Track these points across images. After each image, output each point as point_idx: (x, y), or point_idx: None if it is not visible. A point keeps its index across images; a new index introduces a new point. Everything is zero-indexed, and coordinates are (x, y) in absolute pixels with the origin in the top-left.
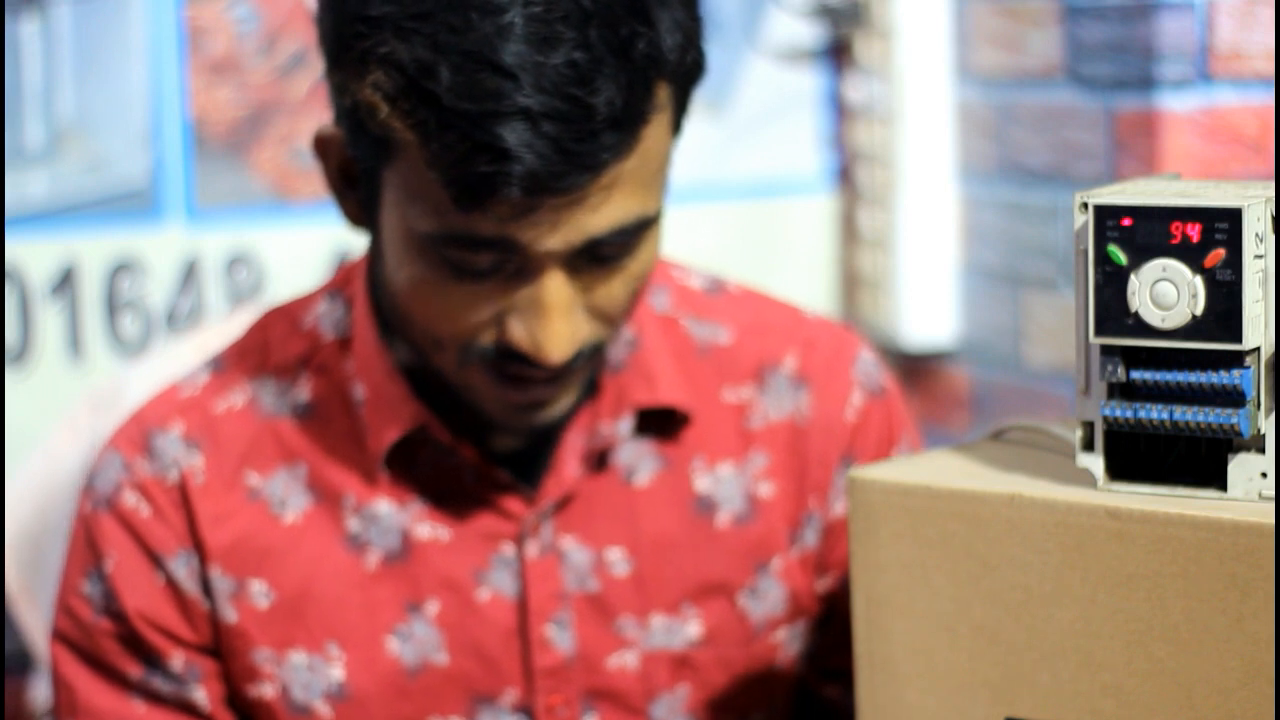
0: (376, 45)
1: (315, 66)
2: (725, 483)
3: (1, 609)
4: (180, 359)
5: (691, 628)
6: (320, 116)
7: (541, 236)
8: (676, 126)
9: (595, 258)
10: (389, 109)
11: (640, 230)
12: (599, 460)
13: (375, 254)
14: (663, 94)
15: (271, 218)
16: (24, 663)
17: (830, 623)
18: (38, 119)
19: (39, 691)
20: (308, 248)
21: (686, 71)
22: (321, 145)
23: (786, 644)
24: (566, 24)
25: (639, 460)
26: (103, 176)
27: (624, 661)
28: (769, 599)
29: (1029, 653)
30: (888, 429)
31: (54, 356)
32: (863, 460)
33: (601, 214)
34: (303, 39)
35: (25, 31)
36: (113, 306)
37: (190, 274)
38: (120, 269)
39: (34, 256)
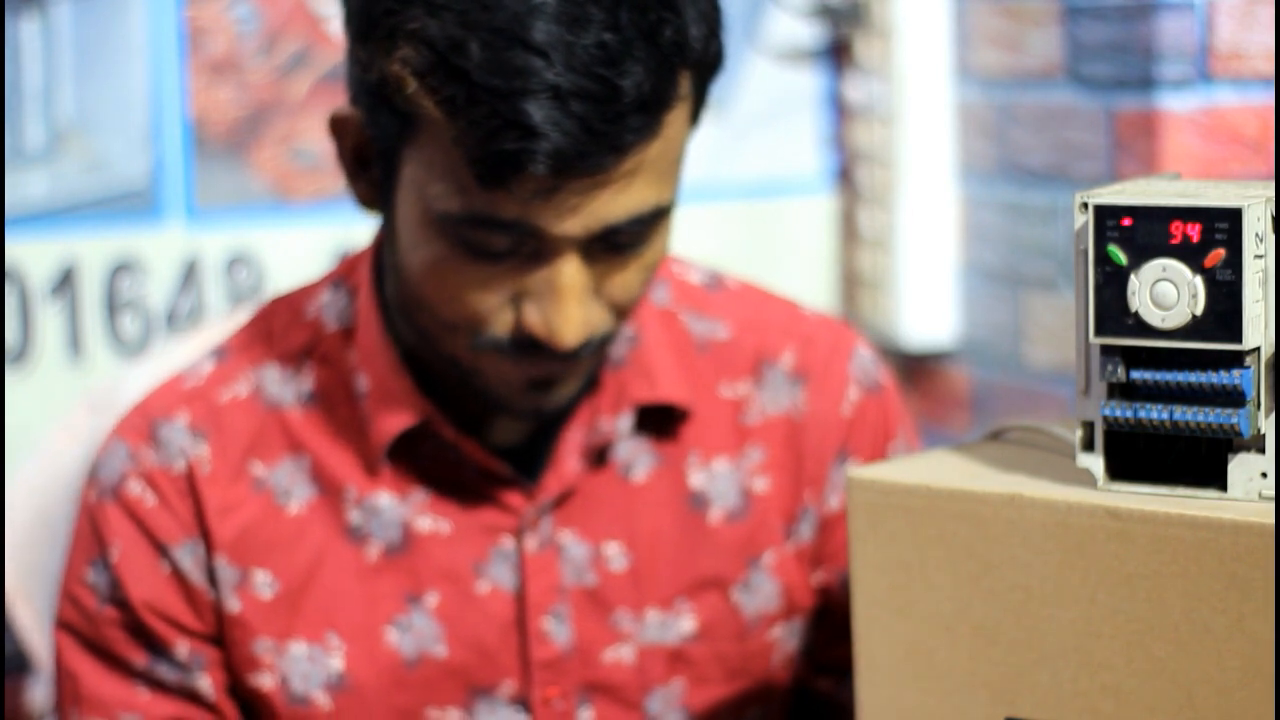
0: (406, 21)
1: (315, 66)
2: (720, 478)
3: (1, 610)
4: (180, 359)
5: (685, 622)
6: (320, 116)
7: (562, 219)
8: (695, 118)
9: (611, 245)
10: (417, 84)
11: (656, 219)
12: (598, 456)
13: (385, 238)
14: (685, 83)
15: (271, 218)
16: (23, 663)
17: (825, 617)
18: (38, 119)
19: (37, 692)
20: (308, 248)
21: (709, 62)
22: (338, 125)
23: (782, 640)
24: (597, 5)
25: (636, 456)
26: (103, 176)
27: (620, 655)
28: (762, 594)
29: (1029, 653)
30: (884, 424)
31: (54, 356)
32: (859, 455)
33: (622, 200)
34: (303, 39)
35: (25, 31)
36: (113, 306)
37: (190, 274)
38: (120, 269)
39: (34, 256)
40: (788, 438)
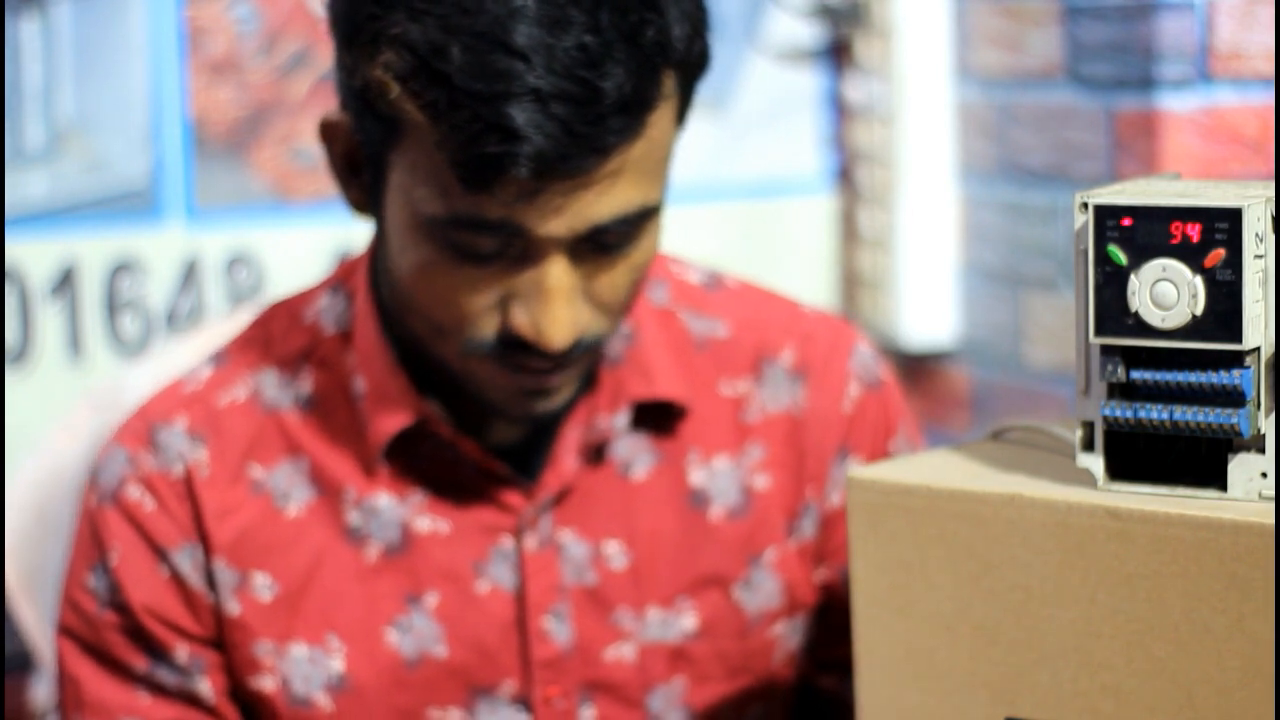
0: (388, 26)
1: (315, 66)
2: (720, 476)
3: (2, 609)
4: (180, 359)
5: (687, 620)
6: (320, 116)
7: (546, 220)
8: (681, 117)
9: (598, 245)
10: (399, 89)
11: (643, 219)
12: (596, 453)
13: (378, 242)
14: (669, 83)
15: (271, 218)
16: (24, 662)
17: (827, 614)
18: (38, 119)
19: (39, 691)
20: (308, 248)
21: (693, 62)
22: (328, 131)
23: (784, 638)
24: (577, 8)
25: (636, 454)
26: (103, 176)
27: (621, 653)
28: (763, 591)
29: (1029, 653)
30: (884, 420)
31: (54, 356)
32: (860, 451)
33: (606, 200)
34: (303, 39)
35: (25, 31)
36: (113, 306)
37: (190, 274)
38: (120, 269)
39: (34, 256)
40: (788, 435)
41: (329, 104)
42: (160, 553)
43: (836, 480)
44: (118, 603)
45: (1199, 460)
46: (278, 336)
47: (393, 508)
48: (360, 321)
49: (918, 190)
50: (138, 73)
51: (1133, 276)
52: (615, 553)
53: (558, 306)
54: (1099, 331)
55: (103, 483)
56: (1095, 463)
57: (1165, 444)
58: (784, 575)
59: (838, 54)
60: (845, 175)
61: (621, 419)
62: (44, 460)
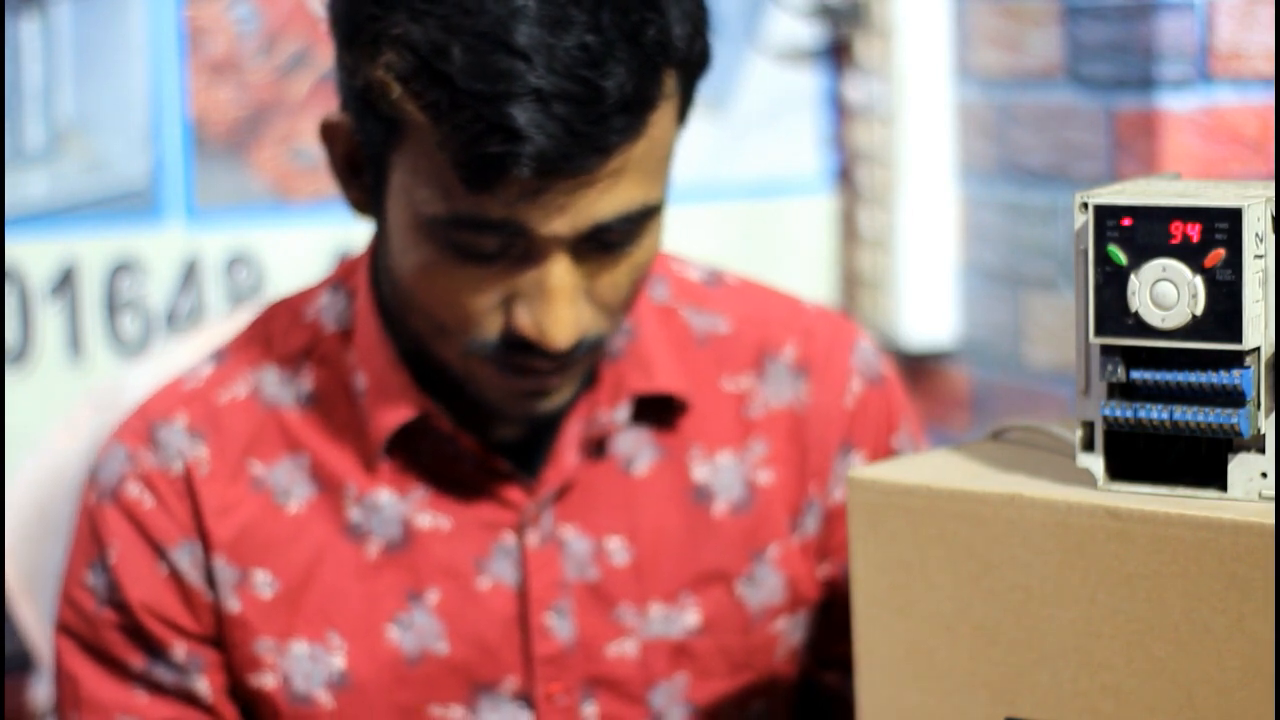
0: (389, 26)
1: (315, 66)
2: (723, 471)
3: (1, 609)
4: (180, 359)
5: (690, 616)
6: (320, 116)
7: (549, 219)
8: (682, 116)
9: (600, 244)
10: (401, 90)
11: (645, 218)
12: (597, 448)
13: (379, 242)
14: (670, 82)
15: (271, 218)
16: (24, 662)
17: (830, 610)
18: (38, 119)
19: (39, 691)
20: (308, 248)
21: (694, 61)
22: (328, 132)
23: (787, 633)
24: (578, 7)
25: (638, 450)
26: (103, 176)
27: (623, 650)
28: (766, 587)
29: (1029, 653)
30: (887, 416)
31: (54, 356)
32: (862, 447)
33: (608, 199)
34: (303, 39)
35: (25, 31)
36: (113, 306)
37: (190, 274)
38: (120, 269)
39: (34, 256)
40: (791, 431)
41: (329, 104)
42: (159, 550)
43: (839, 476)
44: (116, 600)
45: (1199, 460)
46: (278, 334)
47: (394, 504)
48: (361, 319)
49: (918, 190)
50: (138, 73)
51: (1133, 276)
52: (617, 548)
53: (560, 306)
54: (1099, 331)
55: (102, 480)
56: (1095, 463)
57: (1165, 444)
58: (787, 571)
59: (838, 54)
60: (845, 175)
61: (622, 413)
62: (44, 460)
